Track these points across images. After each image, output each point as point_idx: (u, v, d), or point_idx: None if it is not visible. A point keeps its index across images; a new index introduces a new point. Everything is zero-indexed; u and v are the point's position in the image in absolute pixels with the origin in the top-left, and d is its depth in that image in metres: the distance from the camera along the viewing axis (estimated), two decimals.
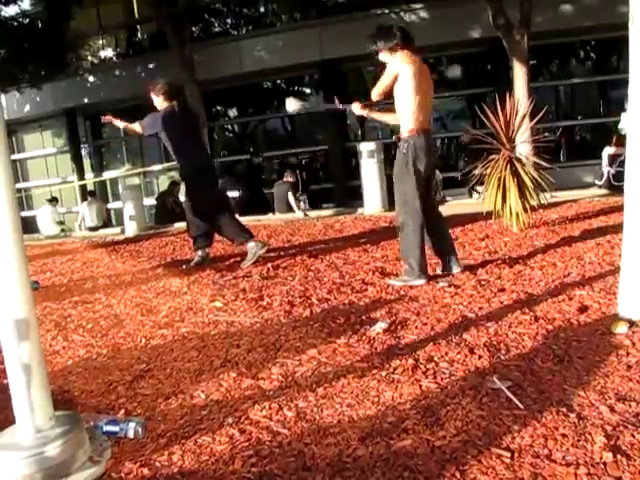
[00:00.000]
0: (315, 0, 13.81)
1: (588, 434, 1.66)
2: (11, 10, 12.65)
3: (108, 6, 14.93)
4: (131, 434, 1.96)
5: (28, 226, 15.58)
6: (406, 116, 3.47)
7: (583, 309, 2.76)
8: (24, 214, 17.22)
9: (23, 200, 17.63)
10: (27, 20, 12.75)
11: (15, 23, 12.40)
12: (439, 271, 3.72)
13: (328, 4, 13.99)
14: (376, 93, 3.53)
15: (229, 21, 15.13)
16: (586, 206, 6.16)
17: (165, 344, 2.93)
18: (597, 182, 8.42)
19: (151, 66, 13.69)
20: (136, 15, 15.21)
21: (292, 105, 3.79)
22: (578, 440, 1.64)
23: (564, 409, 1.81)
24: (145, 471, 1.76)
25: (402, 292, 3.41)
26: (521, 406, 1.86)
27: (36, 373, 1.77)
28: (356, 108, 3.81)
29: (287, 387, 2.24)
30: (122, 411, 2.18)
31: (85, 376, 2.61)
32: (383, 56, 3.54)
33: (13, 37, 11.46)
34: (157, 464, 1.79)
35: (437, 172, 9.61)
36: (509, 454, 1.61)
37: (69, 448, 1.76)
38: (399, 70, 3.40)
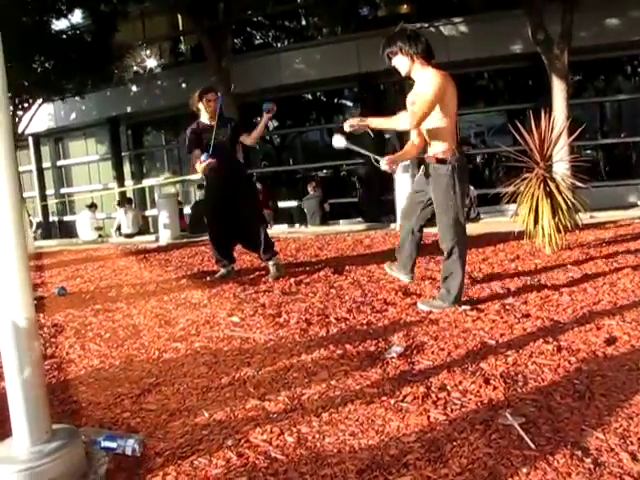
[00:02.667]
0: (354, 13, 13.86)
1: None
2: (61, 24, 13.17)
3: (152, 19, 15.34)
4: (129, 451, 1.92)
5: (69, 230, 16.07)
6: (444, 135, 3.20)
7: (611, 340, 2.60)
8: (66, 219, 17.79)
9: (66, 205, 18.23)
10: (75, 33, 13.22)
11: (64, 36, 12.87)
12: None
13: (367, 17, 14.02)
14: (422, 119, 3.08)
15: (269, 34, 15.33)
16: (625, 228, 5.89)
17: (177, 358, 2.91)
18: (639, 202, 8.08)
19: (191, 77, 13.96)
20: (180, 27, 15.60)
21: (339, 142, 3.63)
22: None
23: (579, 452, 1.68)
24: None
25: (423, 314, 3.31)
26: (533, 446, 1.74)
27: (34, 386, 1.77)
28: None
29: (292, 410, 2.18)
30: (124, 426, 2.16)
31: (95, 387, 2.61)
32: (400, 61, 3.18)
33: (62, 49, 11.89)
34: None
35: (472, 188, 9.44)
36: None
37: (63, 463, 1.75)
38: (444, 87, 3.07)
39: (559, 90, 7.76)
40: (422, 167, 3.41)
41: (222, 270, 4.94)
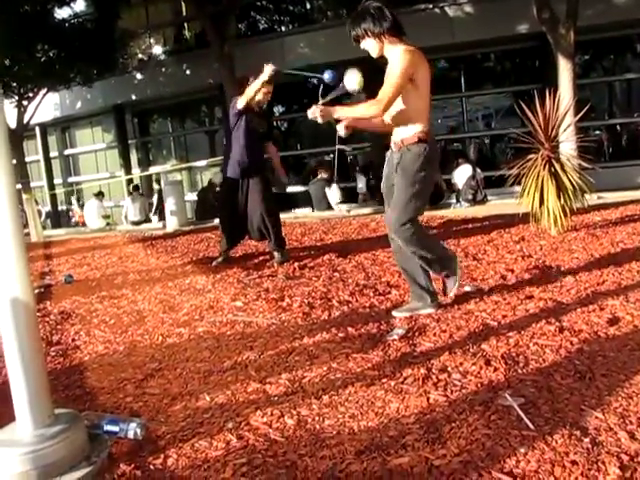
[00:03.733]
0: None
1: (601, 463, 1.53)
2: (64, 12, 13.13)
3: (155, 5, 15.24)
4: (131, 435, 1.94)
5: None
6: (418, 117, 2.87)
7: (614, 321, 2.58)
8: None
9: (74, 193, 18.29)
10: (78, 21, 13.17)
11: (67, 25, 12.83)
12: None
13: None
14: (389, 103, 2.80)
15: (272, 18, 15.19)
16: (633, 209, 5.83)
17: (180, 343, 2.93)
18: None
19: (196, 64, 13.90)
20: (184, 13, 15.50)
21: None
22: (589, 469, 1.51)
23: (578, 432, 1.68)
24: (138, 473, 1.74)
25: None
26: (531, 426, 1.74)
27: (36, 371, 1.78)
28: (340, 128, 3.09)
29: (293, 393, 2.19)
30: (127, 410, 2.18)
31: (99, 372, 2.64)
32: (369, 43, 2.90)
33: (65, 38, 11.86)
34: (151, 467, 1.78)
35: (478, 170, 9.37)
36: (511, 479, 1.50)
37: (66, 447, 1.76)
38: (414, 64, 2.79)
39: (565, 70, 7.63)
40: (390, 154, 3.06)
41: (223, 255, 4.96)
